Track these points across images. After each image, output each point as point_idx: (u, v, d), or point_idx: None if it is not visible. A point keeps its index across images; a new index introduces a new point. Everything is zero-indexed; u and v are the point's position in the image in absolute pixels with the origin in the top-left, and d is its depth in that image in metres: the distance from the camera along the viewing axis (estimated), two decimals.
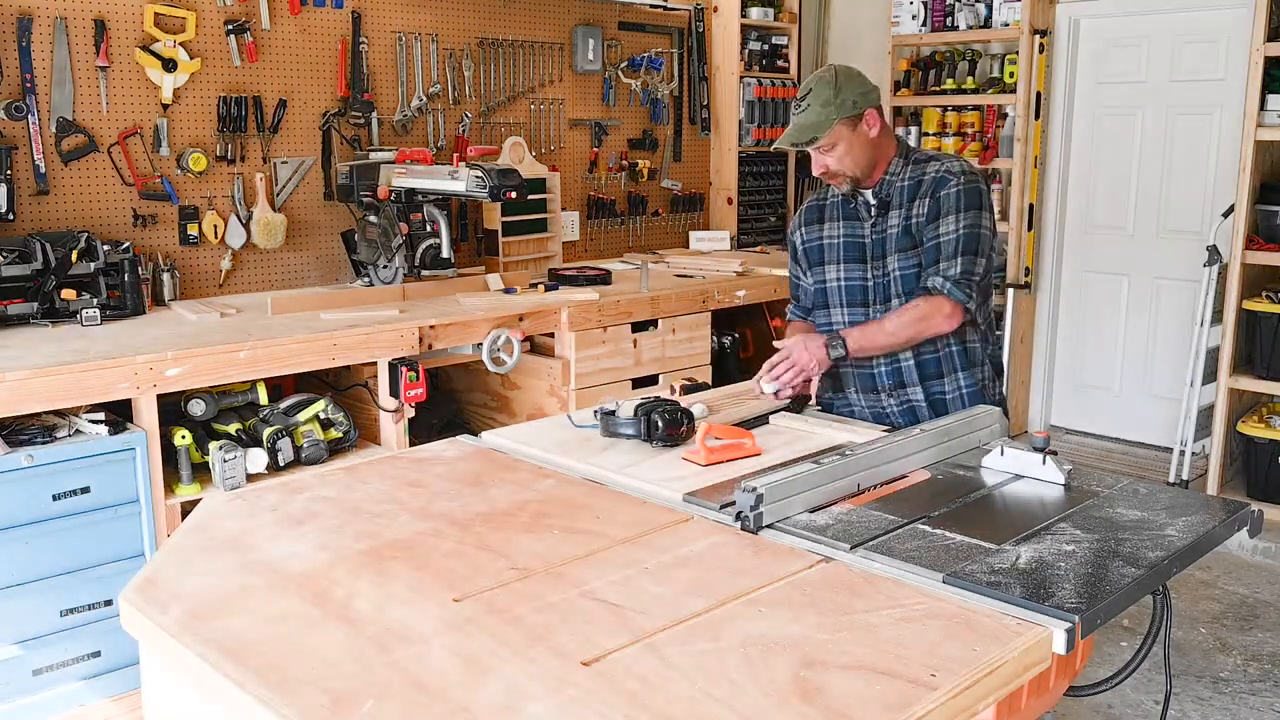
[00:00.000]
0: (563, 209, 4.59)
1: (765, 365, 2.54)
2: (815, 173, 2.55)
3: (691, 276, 4.32)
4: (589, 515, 1.88)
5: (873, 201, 2.58)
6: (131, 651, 1.99)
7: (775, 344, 2.57)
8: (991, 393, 2.65)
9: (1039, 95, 5.21)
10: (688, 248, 5.27)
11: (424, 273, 3.86)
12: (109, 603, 2.76)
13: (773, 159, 5.58)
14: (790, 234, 2.78)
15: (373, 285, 3.79)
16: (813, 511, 1.87)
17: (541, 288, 3.89)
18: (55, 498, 2.67)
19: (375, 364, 3.29)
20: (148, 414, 2.82)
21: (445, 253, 3.77)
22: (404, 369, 3.25)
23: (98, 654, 2.77)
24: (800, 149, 2.48)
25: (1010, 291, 5.30)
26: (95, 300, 3.23)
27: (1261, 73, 4.20)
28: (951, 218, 2.47)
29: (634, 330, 3.89)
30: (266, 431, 3.10)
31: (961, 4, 5.35)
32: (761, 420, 2.48)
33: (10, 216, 3.26)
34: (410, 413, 3.35)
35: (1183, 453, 4.68)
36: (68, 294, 3.20)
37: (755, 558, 1.69)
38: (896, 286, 2.56)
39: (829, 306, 2.68)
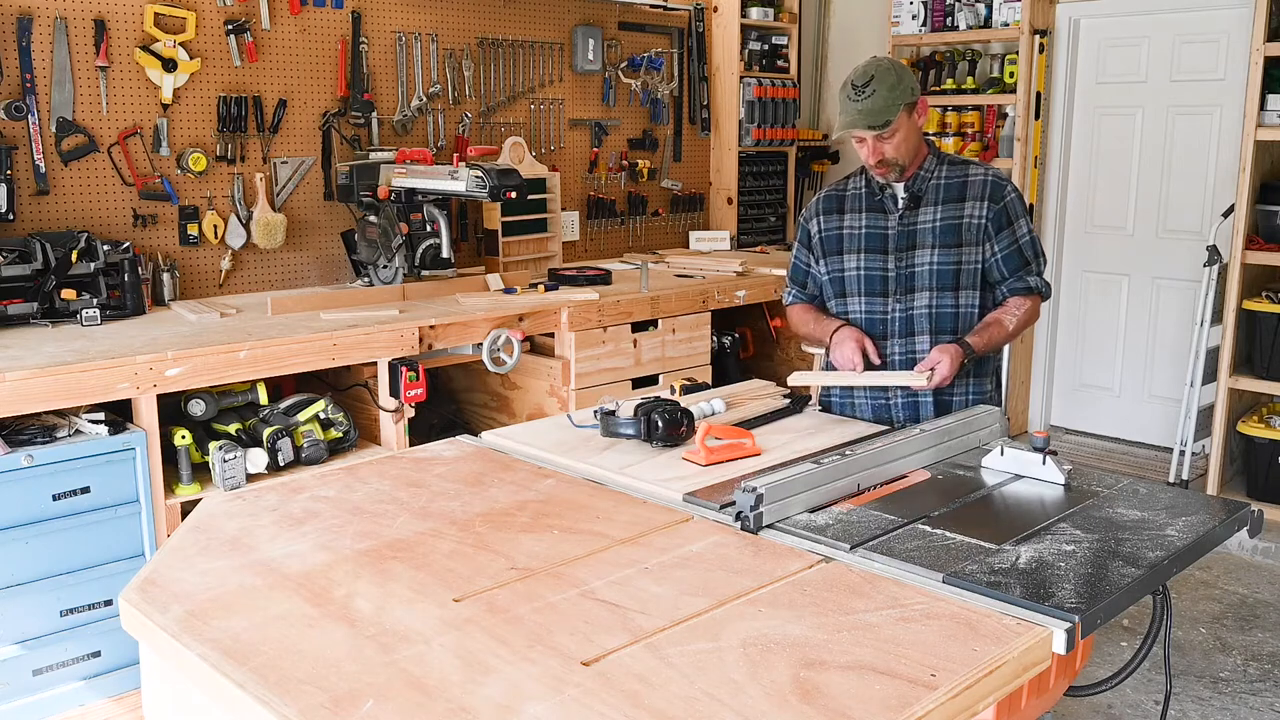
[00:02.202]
0: (563, 209, 4.59)
1: (923, 372, 2.48)
2: (870, 161, 2.56)
3: (691, 276, 4.32)
4: (589, 515, 1.88)
5: (903, 195, 2.61)
6: (131, 651, 2.00)
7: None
8: (995, 403, 2.67)
9: (1039, 95, 5.21)
10: (688, 248, 5.27)
11: (424, 273, 3.86)
12: (109, 603, 2.76)
13: (773, 159, 5.58)
14: (805, 221, 2.79)
15: (373, 285, 3.79)
16: (813, 511, 1.87)
17: (541, 288, 3.89)
18: (55, 498, 2.67)
19: (375, 364, 3.29)
20: (148, 414, 2.82)
21: (445, 253, 3.77)
22: (404, 369, 3.25)
23: (98, 654, 2.77)
24: (870, 133, 2.48)
25: None
26: (95, 300, 3.22)
27: (1261, 73, 4.20)
28: (1021, 222, 2.60)
29: (634, 330, 3.89)
30: (266, 431, 3.10)
31: (961, 4, 5.35)
32: (762, 420, 2.48)
33: (10, 216, 3.25)
34: (410, 413, 3.35)
35: (1183, 453, 4.68)
36: (68, 294, 3.20)
37: (755, 558, 1.69)
38: (927, 280, 2.59)
39: (846, 295, 2.70)
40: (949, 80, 5.47)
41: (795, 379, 2.63)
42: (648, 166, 5.13)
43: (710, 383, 3.41)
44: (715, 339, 4.31)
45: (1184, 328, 4.98)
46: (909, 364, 2.60)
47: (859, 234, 2.67)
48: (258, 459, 3.05)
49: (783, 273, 4.39)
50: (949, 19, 5.40)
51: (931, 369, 2.46)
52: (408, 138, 4.23)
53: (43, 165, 3.36)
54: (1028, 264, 2.59)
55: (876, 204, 2.66)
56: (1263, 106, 4.23)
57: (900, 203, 2.62)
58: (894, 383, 2.55)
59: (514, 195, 3.57)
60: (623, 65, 4.97)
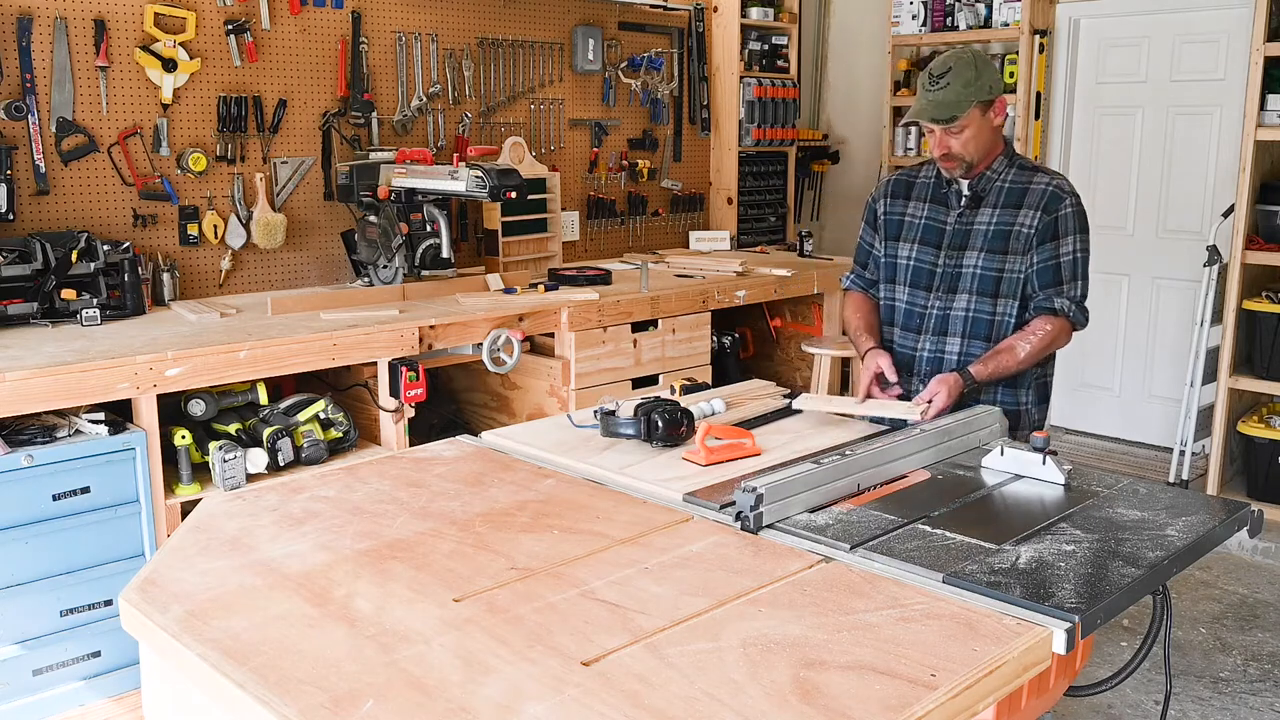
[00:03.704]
0: (563, 209, 4.59)
1: (919, 405, 2.42)
2: (935, 154, 2.53)
3: (691, 276, 4.32)
4: (589, 515, 1.88)
5: (966, 192, 2.58)
6: (131, 651, 1.99)
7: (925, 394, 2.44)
8: (1030, 418, 2.62)
9: (1039, 95, 5.21)
10: (688, 248, 5.27)
11: (424, 273, 3.86)
12: (109, 603, 2.76)
13: (773, 159, 5.58)
14: (872, 200, 2.77)
15: (373, 285, 3.79)
16: (813, 511, 1.87)
17: (541, 288, 3.89)
18: (55, 498, 2.67)
19: (375, 364, 3.29)
20: (148, 414, 2.82)
21: (445, 253, 3.77)
22: (404, 369, 3.25)
23: (98, 654, 2.77)
24: (935, 125, 2.46)
25: None
26: (95, 300, 3.22)
27: (1261, 73, 4.20)
28: (1070, 239, 2.50)
29: (634, 330, 3.89)
30: (266, 431, 3.10)
31: (961, 4, 5.35)
32: (761, 420, 2.48)
33: (10, 216, 3.25)
34: (410, 413, 3.35)
35: (1183, 453, 4.68)
36: (68, 294, 3.20)
37: (755, 558, 1.69)
38: (970, 283, 2.56)
39: (895, 283, 2.68)
40: None
41: (800, 403, 2.58)
42: (648, 166, 5.13)
43: (710, 383, 3.41)
44: (715, 339, 4.31)
45: (1184, 328, 4.98)
46: (936, 361, 2.60)
47: (919, 224, 2.64)
48: (258, 459, 3.05)
49: (783, 273, 4.41)
50: (949, 19, 5.41)
51: (928, 401, 2.40)
52: (408, 138, 4.23)
53: (43, 165, 3.36)
54: (1061, 283, 2.50)
55: (941, 196, 2.63)
56: (1263, 106, 4.23)
57: (962, 200, 2.58)
58: (891, 414, 2.45)
59: (514, 195, 3.57)
60: (623, 65, 4.97)
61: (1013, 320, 2.56)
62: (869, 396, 2.54)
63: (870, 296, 2.79)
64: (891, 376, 2.55)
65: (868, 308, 2.77)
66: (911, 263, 2.64)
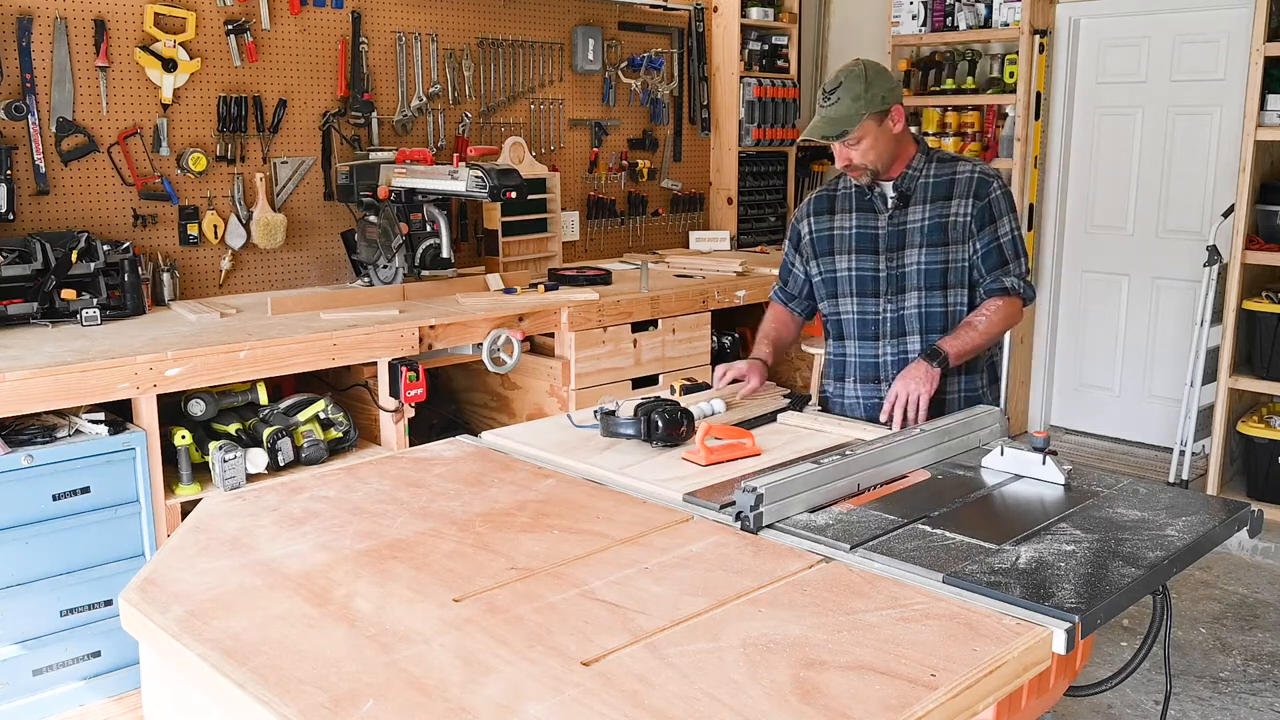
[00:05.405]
0: (563, 209, 4.59)
1: (885, 417, 2.45)
2: (838, 165, 2.58)
3: (691, 276, 4.32)
4: (589, 515, 1.88)
5: (892, 194, 2.61)
6: (131, 651, 1.99)
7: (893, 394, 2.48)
8: (988, 399, 2.67)
9: (1039, 95, 5.21)
10: (688, 248, 5.27)
11: (424, 273, 3.86)
12: (109, 603, 2.76)
13: (773, 159, 5.58)
14: (796, 221, 2.80)
15: (373, 285, 3.79)
16: (813, 511, 1.87)
17: (541, 288, 3.89)
18: (55, 498, 2.67)
19: (375, 364, 3.29)
20: (148, 414, 2.82)
21: (445, 253, 3.77)
22: (404, 369, 3.25)
23: (98, 654, 2.77)
24: (827, 141, 2.51)
25: None
26: (95, 300, 3.23)
27: (1261, 73, 4.20)
28: (1005, 220, 2.57)
29: (634, 330, 3.89)
30: (266, 431, 3.10)
31: (961, 4, 5.35)
32: (762, 420, 2.48)
33: (10, 216, 3.25)
34: (410, 413, 3.35)
35: (1183, 453, 4.68)
36: (68, 294, 3.20)
37: (755, 558, 1.69)
38: (916, 280, 2.59)
39: (838, 296, 2.70)
40: (949, 80, 5.47)
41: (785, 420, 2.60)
42: (648, 166, 5.13)
43: (710, 383, 3.40)
44: (715, 339, 4.31)
45: (1184, 328, 4.98)
46: (902, 363, 2.61)
47: (850, 234, 2.67)
48: (258, 459, 3.05)
49: None
50: (949, 19, 5.40)
51: (903, 408, 2.42)
52: (408, 138, 4.23)
53: (43, 165, 3.36)
54: (1006, 263, 2.56)
55: (867, 204, 2.66)
56: (1263, 106, 4.23)
57: (889, 202, 2.61)
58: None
59: (514, 195, 3.57)
60: (623, 65, 4.97)
61: (965, 309, 2.61)
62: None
63: (789, 310, 2.86)
64: (753, 383, 2.64)
65: (783, 319, 2.85)
66: (853, 272, 2.67)
